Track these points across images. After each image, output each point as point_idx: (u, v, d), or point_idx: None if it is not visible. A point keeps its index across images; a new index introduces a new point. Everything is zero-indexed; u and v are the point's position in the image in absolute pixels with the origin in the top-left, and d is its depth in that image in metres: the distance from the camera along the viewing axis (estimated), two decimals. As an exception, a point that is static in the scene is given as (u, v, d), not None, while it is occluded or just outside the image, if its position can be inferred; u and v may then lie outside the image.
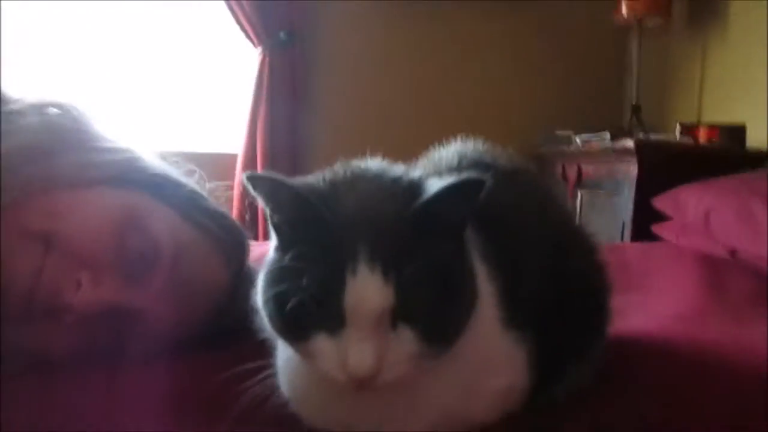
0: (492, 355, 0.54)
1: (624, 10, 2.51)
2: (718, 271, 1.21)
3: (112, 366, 0.63)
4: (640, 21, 2.53)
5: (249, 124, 2.54)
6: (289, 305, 0.47)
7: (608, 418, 0.58)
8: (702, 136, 2.17)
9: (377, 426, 0.52)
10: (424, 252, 0.47)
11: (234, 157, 2.55)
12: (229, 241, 0.79)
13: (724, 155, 2.04)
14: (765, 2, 2.12)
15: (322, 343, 0.47)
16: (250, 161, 2.53)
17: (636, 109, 2.56)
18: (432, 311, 0.47)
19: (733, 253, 1.36)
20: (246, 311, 0.55)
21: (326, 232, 0.47)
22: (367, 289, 0.45)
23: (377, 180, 0.52)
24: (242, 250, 0.81)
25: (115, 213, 0.68)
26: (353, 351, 0.45)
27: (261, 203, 0.51)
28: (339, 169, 0.53)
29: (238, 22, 2.52)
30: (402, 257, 0.46)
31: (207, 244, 0.75)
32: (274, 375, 0.55)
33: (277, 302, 0.48)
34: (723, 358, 0.72)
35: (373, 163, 0.55)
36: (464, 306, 0.50)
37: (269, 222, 0.51)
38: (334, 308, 0.46)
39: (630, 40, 2.76)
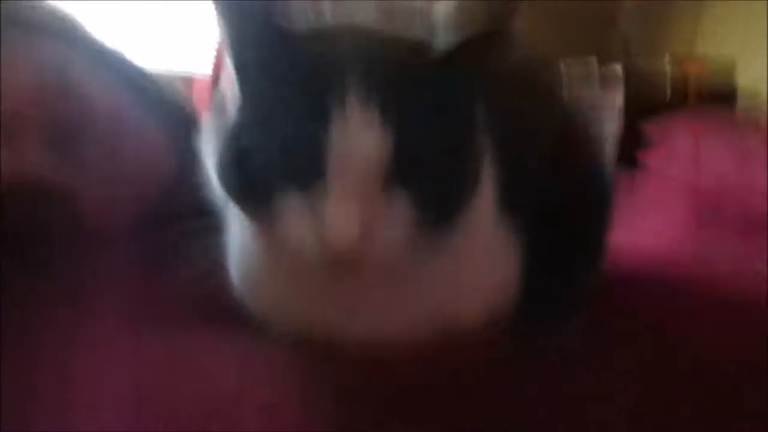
0: (486, 244, 0.48)
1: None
2: (709, 200, 1.17)
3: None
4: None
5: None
6: (253, 160, 0.38)
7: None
8: (691, 68, 2.11)
9: (343, 325, 0.45)
10: (432, 100, 0.39)
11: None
12: (178, 117, 0.67)
13: (712, 89, 1.99)
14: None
15: (291, 203, 0.38)
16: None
17: (626, 41, 2.46)
18: (434, 173, 0.40)
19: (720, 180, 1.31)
20: (197, 199, 0.47)
21: (308, 69, 0.38)
22: (359, 132, 0.36)
23: (379, 33, 0.44)
24: (192, 129, 0.69)
25: (42, 69, 0.56)
26: (335, 213, 0.36)
27: (225, 39, 0.41)
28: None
29: None
30: (404, 99, 0.38)
31: (151, 118, 0.65)
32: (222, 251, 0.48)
33: (236, 161, 0.39)
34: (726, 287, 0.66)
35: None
36: (468, 175, 0.43)
37: (233, 67, 0.41)
38: (313, 158, 0.37)
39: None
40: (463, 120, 0.42)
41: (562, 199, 0.53)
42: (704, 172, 1.33)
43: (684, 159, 1.42)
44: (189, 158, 0.65)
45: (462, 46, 0.40)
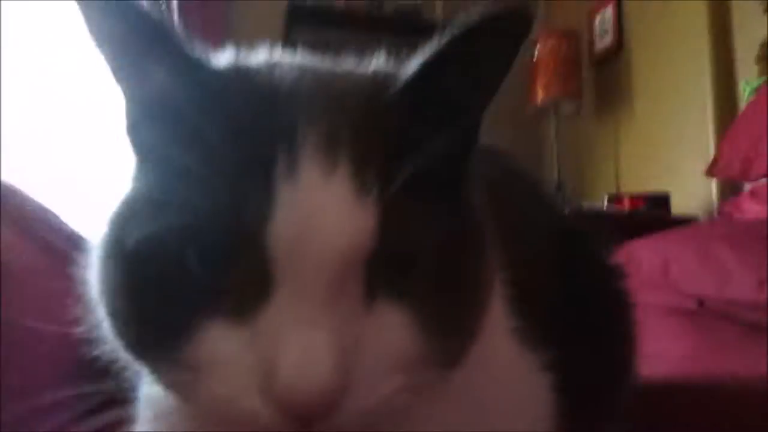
0: (510, 384, 0.37)
1: (539, 96, 2.62)
2: (694, 320, 1.15)
3: None
4: (556, 106, 2.65)
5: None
6: (152, 269, 0.26)
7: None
8: (628, 205, 2.20)
9: None
10: (429, 152, 0.27)
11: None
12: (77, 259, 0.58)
13: (656, 220, 2.07)
14: (665, 84, 2.26)
15: (219, 340, 0.25)
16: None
17: (560, 186, 2.60)
18: (437, 270, 0.28)
19: (701, 302, 1.30)
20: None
21: (241, 111, 0.27)
22: (323, 200, 0.25)
23: (335, 71, 0.33)
24: None
25: None
26: (291, 342, 0.24)
27: (110, 65, 0.29)
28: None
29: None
30: (388, 150, 0.26)
31: (33, 257, 0.55)
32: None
33: (126, 264, 0.27)
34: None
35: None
36: (481, 277, 0.31)
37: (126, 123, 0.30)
38: (250, 250, 0.25)
39: (547, 124, 2.86)
40: (468, 183, 0.32)
41: (578, 317, 0.44)
42: (678, 294, 1.32)
43: (654, 285, 1.42)
44: None
45: (428, 64, 0.29)
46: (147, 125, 0.29)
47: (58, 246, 0.57)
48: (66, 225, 0.62)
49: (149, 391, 0.34)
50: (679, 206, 2.06)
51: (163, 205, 0.27)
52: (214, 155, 0.26)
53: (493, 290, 0.32)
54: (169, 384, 0.29)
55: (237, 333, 0.25)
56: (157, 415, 0.34)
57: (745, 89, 1.74)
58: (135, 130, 0.30)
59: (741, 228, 1.27)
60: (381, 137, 0.27)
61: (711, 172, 1.61)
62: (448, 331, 0.28)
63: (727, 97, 1.92)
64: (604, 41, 2.59)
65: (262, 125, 0.26)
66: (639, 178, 2.40)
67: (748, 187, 1.62)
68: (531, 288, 0.38)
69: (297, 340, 0.24)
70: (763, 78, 1.63)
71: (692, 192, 1.97)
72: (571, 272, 0.46)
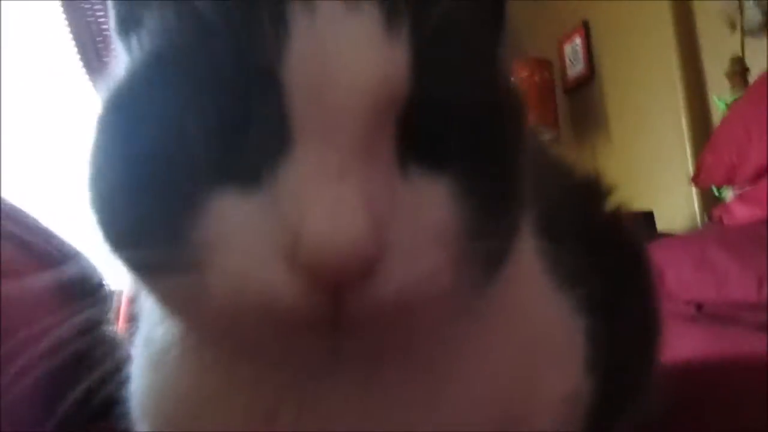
0: (549, 325, 0.34)
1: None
2: (694, 325, 1.14)
3: None
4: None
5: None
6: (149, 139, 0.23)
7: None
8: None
9: None
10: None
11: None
12: (73, 274, 0.54)
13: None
14: (639, 106, 2.31)
15: (231, 210, 0.22)
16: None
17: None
18: (479, 142, 0.24)
19: (699, 307, 1.29)
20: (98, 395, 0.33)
21: None
22: (348, 35, 0.21)
23: None
24: (94, 294, 0.55)
25: None
26: (318, 196, 0.21)
27: None
28: None
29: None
30: None
31: (30, 271, 0.52)
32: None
33: (118, 144, 0.24)
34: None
35: None
36: (521, 160, 0.28)
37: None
38: (259, 102, 0.22)
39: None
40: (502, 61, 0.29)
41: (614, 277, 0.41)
42: (675, 301, 1.32)
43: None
44: (94, 335, 0.53)
45: None
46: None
47: (37, 245, 0.53)
48: (43, 224, 0.58)
49: (146, 334, 0.32)
50: (663, 223, 2.08)
51: (159, 67, 0.24)
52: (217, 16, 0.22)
53: (526, 187, 0.29)
54: (171, 284, 0.24)
55: (251, 199, 0.22)
56: (154, 359, 0.30)
57: (720, 104, 1.79)
58: (127, 7, 0.27)
59: (734, 231, 1.28)
60: None
61: (695, 181, 1.63)
62: (490, 209, 0.25)
63: (701, 112, 1.97)
64: (575, 69, 2.65)
65: None
66: (621, 199, 2.42)
67: (730, 196, 1.64)
68: (560, 236, 0.35)
69: (325, 195, 0.21)
70: (739, 93, 1.68)
71: (675, 208, 1.99)
72: (602, 244, 0.44)
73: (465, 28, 0.25)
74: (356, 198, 0.21)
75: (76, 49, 2.31)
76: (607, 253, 0.41)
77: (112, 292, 0.58)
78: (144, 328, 0.33)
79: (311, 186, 0.21)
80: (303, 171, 0.21)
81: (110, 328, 0.56)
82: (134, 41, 0.26)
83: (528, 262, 0.33)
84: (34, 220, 0.58)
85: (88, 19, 2.32)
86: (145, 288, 0.27)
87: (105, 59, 2.30)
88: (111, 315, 0.56)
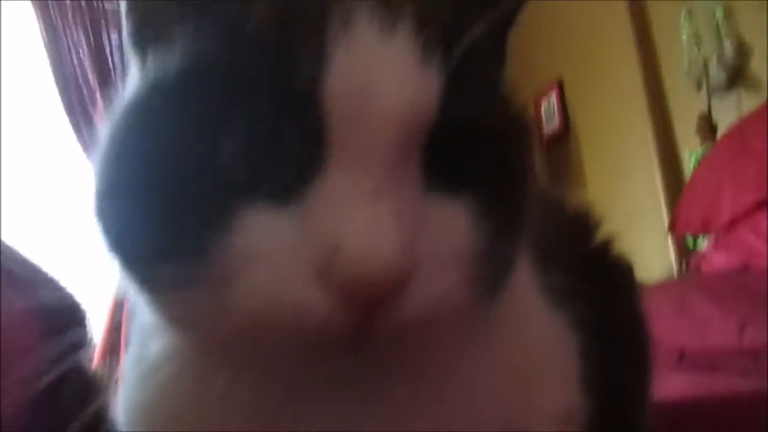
0: (543, 343, 0.35)
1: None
2: (677, 375, 1.14)
3: None
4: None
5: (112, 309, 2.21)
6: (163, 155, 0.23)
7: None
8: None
9: None
10: (484, 21, 0.25)
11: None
12: (54, 304, 0.53)
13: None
14: (613, 160, 2.38)
15: (260, 227, 0.22)
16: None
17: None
18: (495, 167, 0.26)
19: (681, 355, 1.29)
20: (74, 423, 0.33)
21: None
22: (384, 61, 0.22)
23: None
24: (73, 322, 0.54)
25: None
26: (353, 216, 0.21)
27: None
28: None
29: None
30: (451, 16, 0.24)
31: (12, 300, 0.50)
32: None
33: (136, 156, 0.24)
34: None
35: None
36: (530, 186, 0.29)
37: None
38: (296, 121, 0.22)
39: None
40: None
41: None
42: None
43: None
44: (67, 359, 0.51)
45: None
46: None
47: (15, 272, 0.52)
48: (20, 251, 0.57)
49: (137, 352, 0.31)
50: (640, 274, 2.10)
51: (189, 81, 0.24)
52: (254, 10, 0.23)
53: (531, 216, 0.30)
54: (190, 297, 0.24)
55: (282, 216, 0.22)
56: (146, 375, 0.29)
57: (691, 158, 1.86)
58: (144, 20, 0.28)
59: (713, 279, 1.30)
60: (443, 3, 0.25)
61: (671, 231, 1.67)
62: (501, 230, 0.26)
63: (673, 166, 2.04)
64: (551, 126, 2.73)
65: None
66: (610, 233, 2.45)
67: (704, 246, 1.68)
68: (553, 258, 0.36)
69: (360, 213, 0.21)
70: (707, 145, 1.75)
71: (652, 259, 2.02)
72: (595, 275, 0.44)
73: (482, 58, 0.26)
74: (390, 217, 0.21)
75: (59, 97, 2.32)
76: (598, 277, 0.42)
77: (89, 319, 0.56)
78: (135, 346, 0.32)
79: (346, 205, 0.22)
80: (337, 190, 0.22)
81: (87, 355, 0.54)
82: (152, 54, 0.27)
83: (523, 282, 0.34)
84: (12, 247, 0.57)
85: (74, 66, 2.34)
86: (152, 300, 0.26)
87: (87, 107, 2.32)
88: (89, 341, 0.55)
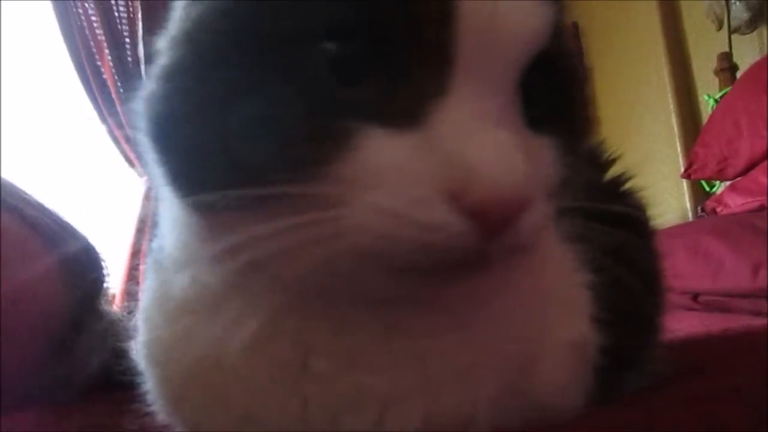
0: (556, 276, 0.36)
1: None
2: (690, 315, 1.15)
3: None
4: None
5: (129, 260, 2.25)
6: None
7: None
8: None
9: (376, 410, 0.27)
10: None
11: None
12: (72, 247, 0.55)
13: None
14: (631, 103, 2.34)
15: (382, 148, 0.22)
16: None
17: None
18: (567, 107, 0.27)
19: (695, 296, 1.30)
20: (93, 363, 0.34)
21: None
22: None
23: None
24: (92, 268, 0.56)
25: None
26: (483, 140, 0.21)
27: None
28: None
29: (120, 148, 2.34)
30: None
31: (34, 242, 0.52)
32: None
33: (231, 70, 0.23)
34: None
35: None
36: (584, 122, 0.31)
37: None
38: (425, 38, 0.22)
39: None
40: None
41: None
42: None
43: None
44: (90, 310, 0.52)
45: None
46: None
47: (38, 219, 0.53)
48: (41, 200, 0.58)
49: (158, 291, 0.31)
50: (655, 217, 2.09)
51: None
52: None
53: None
54: (297, 219, 0.23)
55: (404, 139, 0.22)
56: (172, 312, 0.30)
57: (709, 101, 1.82)
58: None
59: (727, 221, 1.29)
60: None
61: (687, 174, 1.65)
62: (573, 165, 0.27)
63: (690, 109, 2.00)
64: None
65: None
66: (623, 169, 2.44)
67: (720, 189, 1.66)
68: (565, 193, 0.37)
69: (489, 138, 0.21)
70: (726, 89, 1.71)
71: (667, 203, 2.01)
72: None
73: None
74: (516, 143, 0.22)
75: (68, 54, 2.30)
76: (610, 213, 0.42)
77: (106, 263, 0.58)
78: (154, 283, 0.33)
79: (473, 128, 0.22)
80: (463, 112, 0.22)
81: (105, 299, 0.56)
82: None
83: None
84: (33, 196, 0.58)
85: (81, 23, 2.31)
86: (218, 226, 0.26)
87: (98, 63, 2.30)
88: (107, 285, 0.56)
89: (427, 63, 0.23)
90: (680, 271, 1.34)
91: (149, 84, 0.28)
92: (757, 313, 1.09)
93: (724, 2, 1.79)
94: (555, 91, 0.27)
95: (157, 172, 0.29)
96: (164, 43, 0.29)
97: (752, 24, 1.73)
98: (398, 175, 0.22)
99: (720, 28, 1.85)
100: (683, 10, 2.06)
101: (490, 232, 0.22)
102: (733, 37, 1.80)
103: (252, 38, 0.24)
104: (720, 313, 1.20)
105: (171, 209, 0.32)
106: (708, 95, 1.86)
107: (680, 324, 1.04)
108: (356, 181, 0.22)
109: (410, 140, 0.22)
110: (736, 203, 1.35)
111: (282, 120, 0.23)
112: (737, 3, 1.74)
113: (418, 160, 0.22)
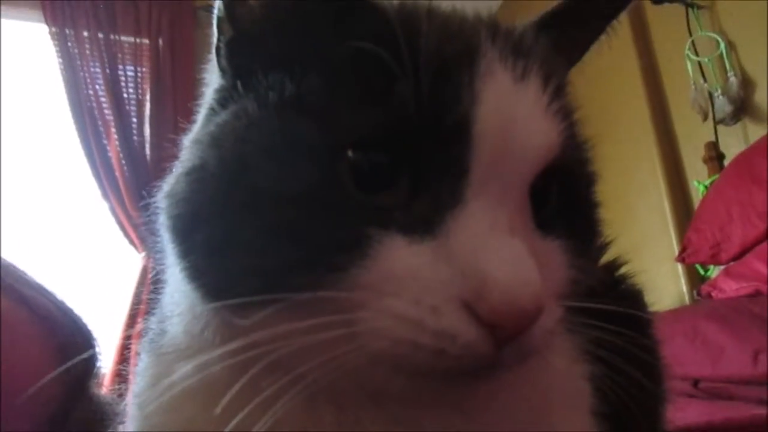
0: (558, 370, 0.36)
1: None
2: (692, 403, 1.13)
3: None
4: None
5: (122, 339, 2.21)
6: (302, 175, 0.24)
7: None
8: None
9: None
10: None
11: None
12: (66, 328, 0.54)
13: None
14: (625, 194, 2.39)
15: (400, 255, 0.23)
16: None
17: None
18: (586, 209, 0.30)
19: (695, 383, 1.28)
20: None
21: (380, 24, 0.26)
22: (521, 104, 0.25)
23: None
24: (85, 350, 0.55)
25: None
26: (497, 250, 0.23)
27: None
28: None
29: (121, 227, 2.36)
30: (558, 73, 0.28)
31: (31, 324, 0.51)
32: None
33: (253, 182, 0.25)
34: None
35: None
36: (598, 223, 0.33)
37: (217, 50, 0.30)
38: (443, 153, 0.24)
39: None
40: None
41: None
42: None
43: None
44: (81, 395, 0.51)
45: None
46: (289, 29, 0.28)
47: (34, 299, 0.54)
48: (37, 280, 0.59)
49: (154, 380, 0.31)
50: (651, 302, 2.09)
51: (317, 110, 0.25)
52: (411, 48, 0.24)
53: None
54: (316, 323, 0.24)
55: (421, 247, 0.23)
56: (173, 401, 0.29)
57: (699, 187, 1.87)
58: (262, 35, 0.29)
59: (725, 306, 1.30)
60: (553, 58, 0.29)
61: (681, 258, 1.67)
62: (586, 268, 0.29)
63: (681, 195, 2.05)
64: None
65: (452, 38, 0.26)
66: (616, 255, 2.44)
67: (715, 274, 1.68)
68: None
69: (503, 248, 0.22)
70: (715, 176, 1.76)
71: (663, 287, 2.02)
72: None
73: (571, 97, 0.31)
74: (527, 253, 0.23)
75: (75, 131, 2.36)
76: (607, 302, 0.42)
77: (98, 344, 0.57)
78: (151, 372, 0.33)
79: (488, 238, 0.23)
80: (479, 222, 0.23)
81: (96, 381, 0.55)
82: (263, 81, 0.28)
83: None
84: (29, 275, 0.59)
85: (89, 96, 2.38)
86: (234, 320, 0.26)
87: (104, 142, 2.36)
88: (99, 366, 0.56)
89: (444, 175, 0.24)
90: (679, 357, 1.33)
91: (172, 180, 0.30)
92: (759, 401, 1.08)
93: (707, 96, 1.88)
94: (567, 195, 0.29)
95: (174, 263, 0.29)
96: (189, 141, 0.31)
97: (735, 116, 1.81)
98: (415, 283, 0.23)
99: (705, 119, 1.93)
100: (670, 101, 2.16)
101: (502, 339, 0.23)
102: (719, 127, 1.87)
103: (278, 148, 0.26)
104: (721, 401, 1.18)
105: (181, 298, 0.32)
106: (698, 181, 1.91)
107: (682, 413, 1.02)
108: (374, 286, 0.23)
109: (427, 249, 0.24)
110: (731, 288, 1.36)
111: (305, 227, 0.24)
112: (720, 97, 1.82)
113: (435, 269, 0.23)
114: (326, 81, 0.26)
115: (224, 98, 0.30)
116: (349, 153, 0.25)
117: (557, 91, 0.27)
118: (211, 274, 0.27)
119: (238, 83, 0.30)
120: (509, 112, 0.24)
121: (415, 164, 0.25)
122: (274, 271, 0.25)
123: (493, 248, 0.23)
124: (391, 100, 0.24)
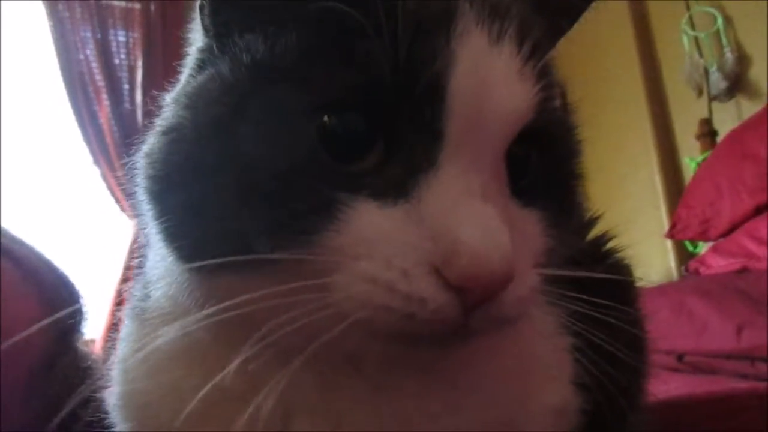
0: (537, 341, 0.36)
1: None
2: (676, 376, 1.15)
3: None
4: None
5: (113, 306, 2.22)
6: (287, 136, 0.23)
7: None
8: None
9: None
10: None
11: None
12: (52, 282, 0.55)
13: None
14: (617, 168, 2.40)
15: (372, 219, 0.23)
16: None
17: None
18: (559, 179, 0.29)
19: (680, 357, 1.30)
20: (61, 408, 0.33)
21: None
22: (497, 65, 0.24)
23: None
24: (71, 304, 0.55)
25: None
26: (469, 214, 0.22)
27: None
28: None
29: (112, 193, 2.35)
30: (536, 34, 0.27)
31: (14, 275, 0.52)
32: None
33: (229, 141, 0.25)
34: None
35: None
36: (578, 191, 0.32)
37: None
38: (417, 116, 0.23)
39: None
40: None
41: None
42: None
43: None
44: (66, 348, 0.51)
45: None
46: None
47: (25, 258, 0.54)
48: (26, 239, 0.59)
49: (136, 344, 0.31)
50: (639, 277, 2.11)
51: (290, 72, 0.25)
52: (388, 7, 0.24)
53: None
54: (286, 284, 0.24)
55: (393, 211, 0.23)
56: (154, 364, 0.30)
57: (691, 164, 1.88)
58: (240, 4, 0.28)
59: (711, 281, 1.31)
60: (531, 21, 0.28)
61: (671, 234, 1.68)
62: (562, 237, 0.28)
63: (673, 172, 2.06)
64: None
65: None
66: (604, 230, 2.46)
67: (703, 250, 1.69)
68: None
69: (474, 213, 0.22)
70: (707, 153, 1.77)
71: (651, 262, 2.04)
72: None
73: (550, 63, 0.30)
74: (500, 218, 0.23)
75: (66, 97, 2.33)
76: (592, 274, 0.43)
77: (84, 299, 0.58)
78: (134, 336, 0.33)
79: (460, 202, 0.23)
80: (451, 187, 0.23)
81: (81, 337, 0.56)
82: (239, 43, 0.27)
83: None
84: (11, 230, 0.59)
85: (80, 62, 2.35)
86: (211, 284, 0.27)
87: (95, 108, 2.33)
88: (84, 320, 0.56)
89: (418, 139, 0.24)
90: (664, 331, 1.35)
91: (151, 137, 0.30)
92: (742, 376, 1.10)
93: (703, 71, 1.87)
94: (547, 165, 0.29)
95: (152, 226, 0.29)
96: (170, 100, 0.31)
97: (730, 93, 1.81)
98: (386, 246, 0.23)
99: (700, 95, 1.92)
100: (665, 77, 2.15)
101: (471, 304, 0.23)
102: (713, 104, 1.87)
103: (251, 111, 0.26)
104: (704, 375, 1.20)
105: (162, 261, 0.32)
106: (690, 158, 1.92)
107: (665, 386, 1.04)
108: (346, 249, 0.24)
109: (399, 213, 0.24)
110: (719, 264, 1.38)
111: (276, 191, 0.24)
112: (715, 73, 1.82)
113: (406, 232, 0.23)
114: (300, 42, 0.25)
115: (204, 59, 0.30)
116: (322, 116, 0.24)
117: (533, 53, 0.27)
118: (185, 236, 0.27)
119: (214, 45, 0.29)
120: (484, 74, 0.24)
121: (389, 128, 0.24)
122: (246, 234, 0.25)
123: (464, 213, 0.23)
124: (366, 61, 0.24)
